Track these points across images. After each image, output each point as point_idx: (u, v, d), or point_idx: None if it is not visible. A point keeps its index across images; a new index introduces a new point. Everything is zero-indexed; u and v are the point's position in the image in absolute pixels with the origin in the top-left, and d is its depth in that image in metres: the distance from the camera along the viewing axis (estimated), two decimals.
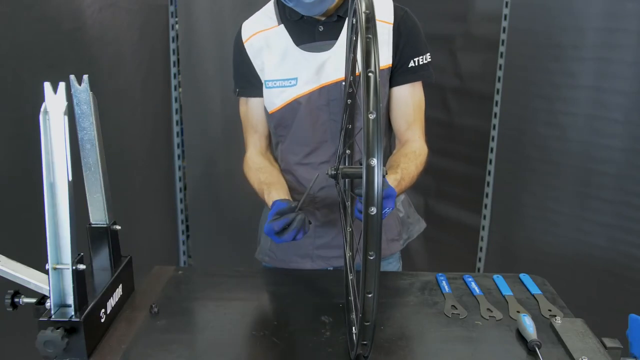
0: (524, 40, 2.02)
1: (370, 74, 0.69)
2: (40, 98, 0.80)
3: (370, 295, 0.69)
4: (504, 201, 2.20)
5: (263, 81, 1.26)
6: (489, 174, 2.22)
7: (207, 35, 2.17)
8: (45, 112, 0.80)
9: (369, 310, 0.71)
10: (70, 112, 0.84)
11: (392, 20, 1.22)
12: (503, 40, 2.08)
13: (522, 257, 2.15)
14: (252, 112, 1.32)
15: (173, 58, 2.20)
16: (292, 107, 1.23)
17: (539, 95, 1.99)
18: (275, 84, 1.24)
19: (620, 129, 1.81)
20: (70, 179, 0.82)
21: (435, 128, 2.38)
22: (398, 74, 1.25)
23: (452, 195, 2.40)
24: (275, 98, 1.24)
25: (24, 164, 1.44)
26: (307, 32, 1.22)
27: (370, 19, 0.72)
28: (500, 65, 2.10)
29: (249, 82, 1.29)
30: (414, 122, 1.28)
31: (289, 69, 1.22)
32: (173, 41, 2.18)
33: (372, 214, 0.67)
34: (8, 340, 1.44)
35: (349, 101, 1.05)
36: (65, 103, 0.80)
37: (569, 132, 1.93)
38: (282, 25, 1.24)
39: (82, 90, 0.92)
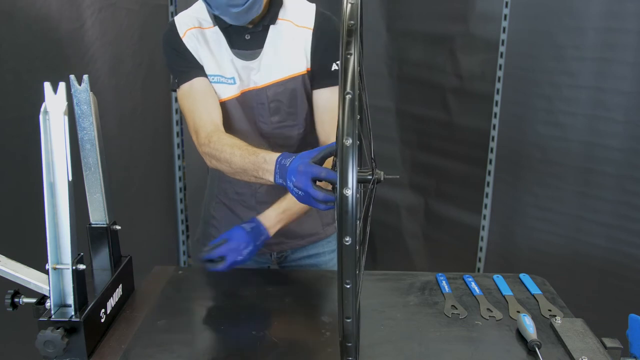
0: (524, 40, 2.02)
1: (347, 95, 0.66)
2: (40, 98, 0.80)
3: (349, 320, 0.69)
4: (504, 201, 2.20)
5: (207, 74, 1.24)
6: (489, 174, 2.22)
7: None
8: (45, 112, 0.80)
9: (349, 334, 0.70)
10: (70, 112, 0.84)
11: (312, 26, 1.24)
12: (503, 40, 2.08)
13: (522, 257, 2.15)
14: (200, 88, 1.22)
15: None
16: (233, 104, 1.25)
17: (539, 95, 1.99)
18: (217, 79, 1.24)
19: (620, 129, 1.81)
20: (70, 179, 0.82)
21: (435, 128, 2.38)
22: (321, 77, 1.25)
23: (452, 195, 2.40)
24: (220, 92, 1.25)
25: (24, 164, 1.44)
26: (236, 39, 1.24)
27: (353, 31, 0.70)
28: (500, 65, 2.10)
29: (191, 67, 1.23)
30: None
31: (227, 69, 1.23)
32: None
33: (347, 244, 0.65)
34: (8, 340, 1.44)
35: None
36: (65, 103, 0.80)
37: (569, 132, 1.93)
38: (217, 27, 1.24)
39: (82, 90, 0.92)
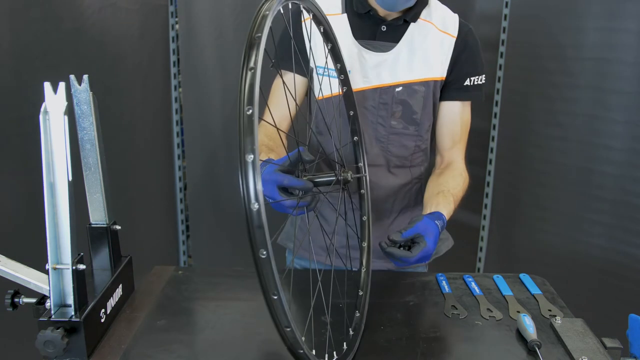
0: (524, 40, 2.02)
1: (248, 111, 0.63)
2: (40, 98, 0.80)
3: (289, 329, 0.68)
4: (504, 201, 2.20)
5: (314, 65, 1.19)
6: (489, 174, 2.22)
7: (207, 35, 2.17)
8: (45, 112, 0.80)
9: (295, 343, 0.70)
10: (70, 112, 0.84)
11: (455, 34, 1.20)
12: (503, 40, 2.08)
13: (522, 257, 2.15)
14: (288, 83, 1.22)
15: (173, 58, 2.20)
16: (338, 100, 1.18)
17: (539, 95, 1.99)
18: (325, 71, 1.17)
19: (620, 129, 1.81)
20: (70, 179, 0.82)
21: None
22: (452, 89, 1.22)
23: None
24: (322, 86, 1.19)
25: (24, 164, 1.44)
26: (369, 29, 1.19)
27: (255, 45, 0.68)
28: (500, 65, 2.10)
29: (290, 56, 1.20)
30: (460, 141, 1.27)
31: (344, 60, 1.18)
32: (173, 41, 2.18)
33: (264, 257, 0.64)
34: (8, 340, 1.44)
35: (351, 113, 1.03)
36: (65, 103, 0.80)
37: (569, 132, 1.93)
38: (345, 15, 1.19)
39: (82, 90, 0.92)
